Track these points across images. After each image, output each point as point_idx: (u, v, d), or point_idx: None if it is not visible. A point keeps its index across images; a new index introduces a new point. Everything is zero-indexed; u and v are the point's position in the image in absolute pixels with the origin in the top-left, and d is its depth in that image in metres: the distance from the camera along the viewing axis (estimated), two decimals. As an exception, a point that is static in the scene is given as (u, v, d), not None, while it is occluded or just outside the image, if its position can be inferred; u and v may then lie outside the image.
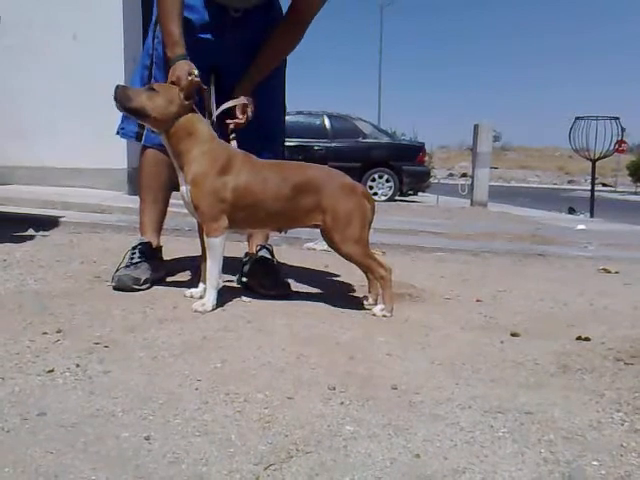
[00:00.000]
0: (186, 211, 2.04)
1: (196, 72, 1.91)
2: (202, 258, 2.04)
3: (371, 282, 2.10)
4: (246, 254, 2.38)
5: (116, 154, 5.25)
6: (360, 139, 10.58)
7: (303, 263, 2.87)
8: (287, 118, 2.54)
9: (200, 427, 1.12)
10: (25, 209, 4.02)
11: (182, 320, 1.79)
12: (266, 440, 1.08)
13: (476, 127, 8.94)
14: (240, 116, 2.12)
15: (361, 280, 2.25)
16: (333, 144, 10.24)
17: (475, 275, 2.87)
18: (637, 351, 1.69)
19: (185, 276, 2.40)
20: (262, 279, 2.22)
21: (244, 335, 1.68)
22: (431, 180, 12.62)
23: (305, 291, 2.29)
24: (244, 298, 2.09)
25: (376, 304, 2.04)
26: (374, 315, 1.98)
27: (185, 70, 1.90)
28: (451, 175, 30.67)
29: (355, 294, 2.27)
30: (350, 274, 2.53)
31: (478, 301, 2.28)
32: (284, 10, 2.28)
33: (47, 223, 3.48)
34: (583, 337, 1.81)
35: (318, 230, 2.03)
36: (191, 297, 2.03)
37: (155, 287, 2.17)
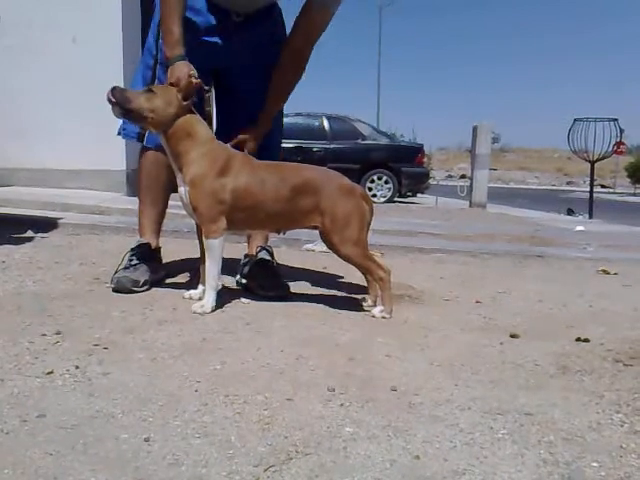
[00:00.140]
0: (185, 212, 2.04)
1: (195, 74, 1.91)
2: (201, 260, 2.04)
3: (370, 283, 2.10)
4: (245, 255, 2.38)
5: (115, 155, 5.25)
6: (359, 140, 10.58)
7: (302, 264, 2.87)
8: (286, 119, 2.54)
9: (200, 429, 1.11)
10: (24, 210, 4.02)
11: (181, 322, 1.79)
12: (266, 442, 1.08)
13: (475, 128, 8.95)
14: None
15: (360, 281, 2.25)
16: (332, 145, 10.25)
17: (474, 276, 2.87)
18: (636, 352, 1.69)
19: (184, 278, 2.40)
20: (262, 281, 2.22)
21: (243, 337, 1.68)
22: (430, 181, 12.62)
23: (304, 292, 2.29)
24: (243, 299, 2.09)
25: (375, 305, 2.04)
26: (373, 316, 1.98)
27: (184, 72, 1.90)
28: (450, 176, 30.65)
29: (354, 295, 2.27)
30: (349, 276, 2.53)
31: (477, 302, 2.28)
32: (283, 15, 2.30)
33: (46, 224, 3.48)
34: (582, 338, 1.81)
35: (317, 231, 2.03)
36: (190, 299, 2.03)
37: (154, 289, 2.17)
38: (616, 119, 8.99)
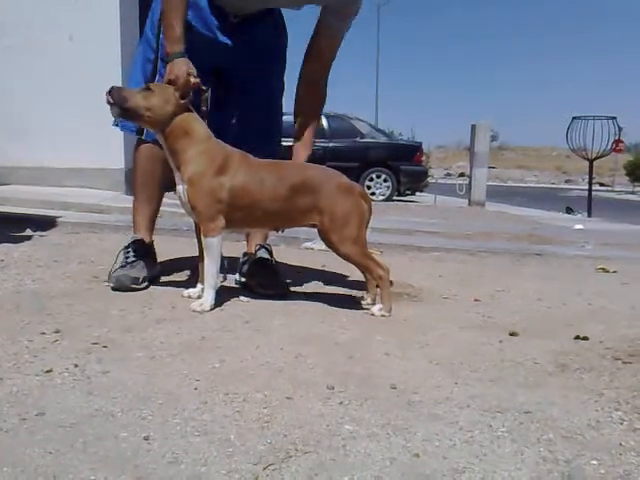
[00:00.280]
0: (183, 211, 2.04)
1: (194, 72, 1.91)
2: (200, 258, 2.04)
3: (369, 282, 2.09)
4: (244, 254, 2.38)
5: (114, 154, 5.26)
6: (358, 139, 10.59)
7: (301, 263, 2.87)
8: (284, 118, 2.54)
9: (199, 427, 1.11)
10: (23, 209, 4.01)
11: (180, 320, 1.78)
12: (265, 440, 1.08)
13: (473, 127, 8.96)
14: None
15: (359, 280, 2.25)
16: (331, 144, 10.24)
17: (473, 275, 2.87)
18: (635, 350, 1.70)
19: (183, 276, 2.40)
20: (261, 279, 2.21)
21: (242, 335, 1.68)
22: (429, 180, 12.63)
23: (303, 291, 2.29)
24: (242, 298, 2.09)
25: (374, 304, 2.04)
26: (372, 315, 1.97)
27: (183, 70, 1.90)
28: (449, 175, 30.67)
29: (353, 294, 2.27)
30: (348, 274, 2.53)
31: (476, 300, 2.28)
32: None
33: (45, 223, 3.48)
34: (581, 336, 1.81)
35: (316, 230, 2.03)
36: (189, 297, 2.03)
37: (153, 287, 2.16)
38: (615, 117, 9.01)
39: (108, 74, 4.30)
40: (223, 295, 2.01)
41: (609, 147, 8.99)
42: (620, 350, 1.70)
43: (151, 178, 2.28)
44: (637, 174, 27.22)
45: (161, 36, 2.12)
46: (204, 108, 2.02)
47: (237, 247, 2.52)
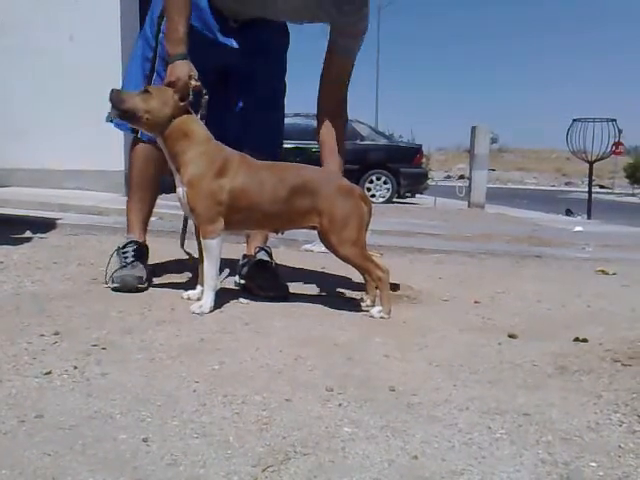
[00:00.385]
0: (183, 213, 2.04)
1: (196, 75, 1.91)
2: (199, 260, 2.04)
3: (368, 284, 2.09)
4: (244, 256, 2.38)
5: (113, 156, 5.25)
6: (357, 141, 10.57)
7: (301, 265, 2.87)
8: (285, 120, 2.55)
9: (198, 429, 1.11)
10: (23, 211, 4.01)
11: (180, 322, 1.78)
12: (264, 442, 1.08)
13: (473, 129, 8.96)
14: None
15: (359, 282, 2.25)
16: (331, 146, 10.22)
17: (473, 276, 2.87)
18: (635, 352, 1.69)
19: (183, 278, 2.40)
20: (260, 281, 2.21)
21: (242, 337, 1.68)
22: (429, 182, 12.65)
23: (303, 293, 2.29)
24: (242, 300, 2.08)
25: (374, 306, 2.04)
26: (372, 317, 1.97)
27: (185, 72, 1.90)
28: (449, 177, 30.70)
29: (353, 296, 2.27)
30: (348, 276, 2.53)
31: (476, 302, 2.28)
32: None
33: (44, 225, 3.48)
34: (581, 338, 1.81)
35: (315, 232, 2.03)
36: (188, 299, 2.02)
37: (152, 289, 2.16)
38: (614, 119, 9.02)
39: (108, 74, 4.30)
40: (223, 297, 2.01)
41: (609, 149, 9.01)
42: (619, 352, 1.70)
43: (145, 178, 2.28)
44: (637, 176, 27.24)
45: (160, 35, 2.12)
46: (203, 112, 2.01)
47: (237, 249, 2.52)
